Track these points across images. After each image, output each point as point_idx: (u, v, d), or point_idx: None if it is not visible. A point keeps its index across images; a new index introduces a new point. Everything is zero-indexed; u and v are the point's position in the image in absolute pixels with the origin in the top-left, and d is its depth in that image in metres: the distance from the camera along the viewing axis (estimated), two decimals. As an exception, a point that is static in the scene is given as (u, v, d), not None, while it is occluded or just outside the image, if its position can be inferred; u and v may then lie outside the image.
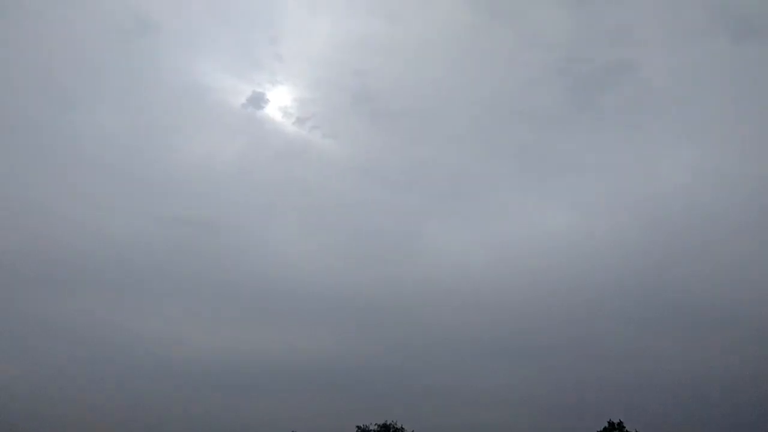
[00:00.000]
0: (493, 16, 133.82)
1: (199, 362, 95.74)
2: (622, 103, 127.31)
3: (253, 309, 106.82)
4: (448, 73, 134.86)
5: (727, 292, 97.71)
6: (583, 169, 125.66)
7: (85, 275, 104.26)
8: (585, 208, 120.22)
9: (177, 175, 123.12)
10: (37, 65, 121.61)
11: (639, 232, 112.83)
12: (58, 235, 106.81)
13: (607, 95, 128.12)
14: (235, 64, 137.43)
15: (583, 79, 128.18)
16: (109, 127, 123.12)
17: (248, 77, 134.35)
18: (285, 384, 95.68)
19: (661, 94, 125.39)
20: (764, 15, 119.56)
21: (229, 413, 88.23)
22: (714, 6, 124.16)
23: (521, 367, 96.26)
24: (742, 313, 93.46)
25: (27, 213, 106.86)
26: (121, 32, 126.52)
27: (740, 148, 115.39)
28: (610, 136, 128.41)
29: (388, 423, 70.84)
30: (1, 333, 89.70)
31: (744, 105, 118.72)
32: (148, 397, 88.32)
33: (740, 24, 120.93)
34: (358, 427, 71.17)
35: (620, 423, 64.32)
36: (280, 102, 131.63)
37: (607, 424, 64.72)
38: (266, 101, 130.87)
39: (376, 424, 70.98)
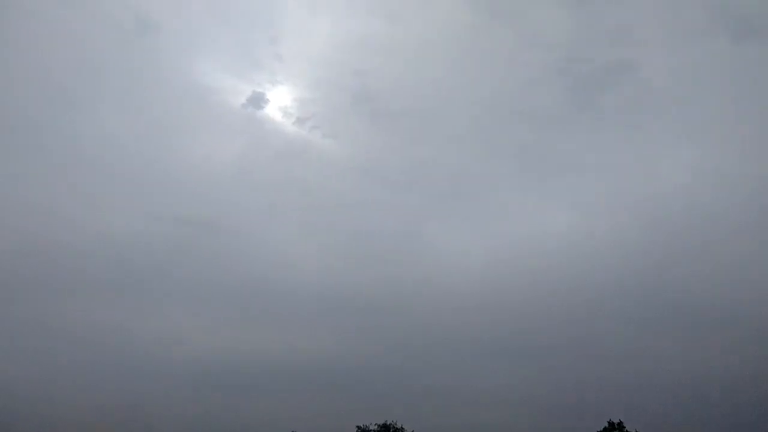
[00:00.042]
0: (493, 16, 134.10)
1: (199, 362, 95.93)
2: (622, 103, 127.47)
3: (253, 309, 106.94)
4: (448, 73, 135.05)
5: (727, 292, 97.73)
6: (583, 169, 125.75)
7: (85, 275, 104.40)
8: (585, 208, 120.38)
9: (177, 175, 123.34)
10: (36, 65, 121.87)
11: (639, 232, 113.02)
12: (57, 235, 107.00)
13: (607, 95, 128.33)
14: (235, 64, 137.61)
15: (583, 79, 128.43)
16: (109, 127, 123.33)
17: (248, 77, 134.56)
18: (285, 384, 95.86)
19: (661, 94, 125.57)
20: (764, 15, 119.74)
21: (229, 413, 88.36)
22: (714, 6, 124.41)
23: (521, 367, 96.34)
24: (742, 313, 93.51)
25: (26, 213, 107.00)
26: (121, 32, 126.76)
27: (740, 148, 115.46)
28: (610, 136, 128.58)
29: (388, 423, 70.96)
30: (1, 333, 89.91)
31: (744, 105, 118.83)
32: (148, 398, 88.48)
33: (740, 24, 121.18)
34: (358, 427, 71.30)
35: (620, 423, 64.38)
36: (280, 102, 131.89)
37: (607, 424, 64.79)
38: (266, 101, 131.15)
39: (376, 424, 71.14)
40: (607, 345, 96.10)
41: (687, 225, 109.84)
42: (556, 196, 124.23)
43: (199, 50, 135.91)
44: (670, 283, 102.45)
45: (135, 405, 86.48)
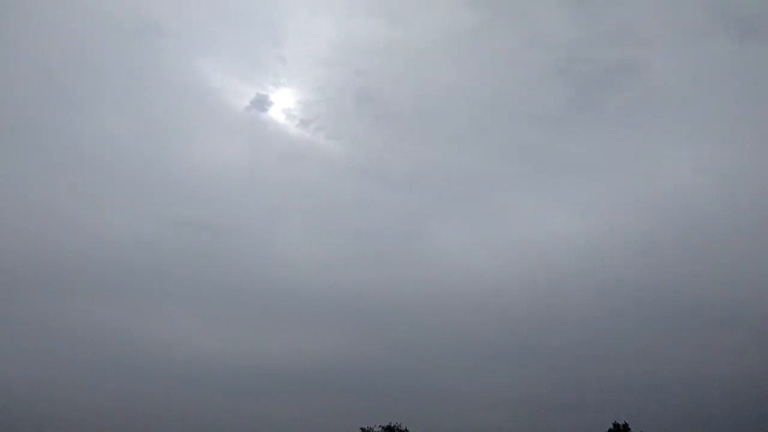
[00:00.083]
0: (494, 17, 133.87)
1: (201, 364, 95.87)
2: (625, 104, 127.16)
3: (255, 310, 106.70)
4: (450, 73, 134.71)
5: (730, 292, 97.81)
6: (585, 170, 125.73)
7: (87, 277, 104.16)
8: (587, 209, 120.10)
9: (180, 177, 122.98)
10: (37, 66, 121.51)
11: (641, 232, 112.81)
12: (59, 236, 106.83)
13: (609, 95, 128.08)
14: (238, 66, 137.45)
15: (585, 79, 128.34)
16: (112, 129, 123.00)
17: (251, 79, 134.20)
18: (287, 386, 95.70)
19: (664, 94, 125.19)
20: (767, 15, 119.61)
21: (232, 416, 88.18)
22: (717, 5, 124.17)
23: (524, 368, 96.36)
24: (742, 313, 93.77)
25: (26, 213, 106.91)
26: (124, 34, 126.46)
27: (744, 148, 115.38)
28: (613, 137, 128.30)
29: (392, 425, 70.97)
30: (1, 333, 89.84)
31: (747, 105, 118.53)
32: (151, 400, 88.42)
33: (743, 24, 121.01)
34: (362, 429, 71.25)
35: (625, 425, 64.37)
36: (284, 104, 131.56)
37: (612, 426, 64.74)
38: (270, 103, 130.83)
39: (380, 425, 71.11)
40: (608, 345, 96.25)
41: (690, 225, 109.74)
42: (558, 196, 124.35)
43: (201, 52, 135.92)
44: (671, 283, 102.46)
45: (137, 407, 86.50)
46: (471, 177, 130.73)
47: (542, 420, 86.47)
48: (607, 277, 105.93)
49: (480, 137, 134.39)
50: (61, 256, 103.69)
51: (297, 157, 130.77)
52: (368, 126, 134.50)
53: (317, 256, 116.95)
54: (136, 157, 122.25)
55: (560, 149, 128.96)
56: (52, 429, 79.75)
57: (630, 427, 64.11)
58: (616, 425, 64.56)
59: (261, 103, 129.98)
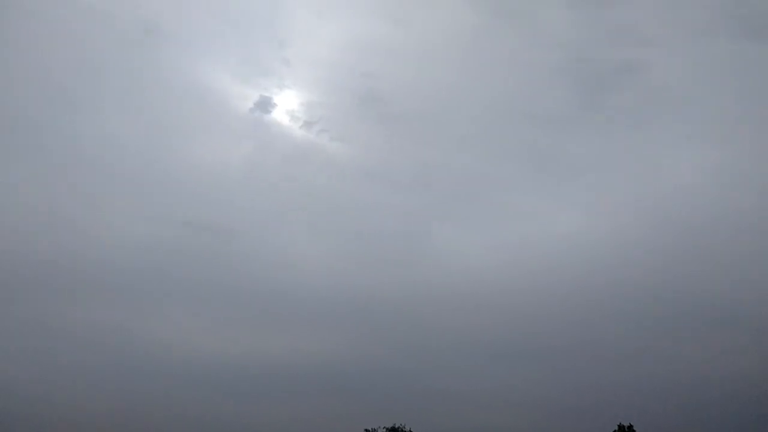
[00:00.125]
0: (499, 18, 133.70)
1: (204, 364, 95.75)
2: (630, 104, 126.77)
3: (261, 313, 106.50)
4: (454, 75, 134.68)
5: (730, 292, 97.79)
6: (591, 171, 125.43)
7: (87, 277, 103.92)
8: (592, 210, 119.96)
9: (183, 179, 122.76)
10: (40, 68, 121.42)
11: (647, 233, 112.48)
12: (59, 237, 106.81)
13: (614, 96, 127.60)
14: (242, 68, 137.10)
15: (592, 79, 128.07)
16: (115, 132, 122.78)
17: (255, 81, 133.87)
18: (291, 386, 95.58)
19: (670, 94, 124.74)
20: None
21: (237, 417, 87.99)
22: (721, 5, 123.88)
23: (530, 370, 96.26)
24: (742, 314, 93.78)
25: (28, 214, 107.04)
26: (126, 36, 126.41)
27: (748, 148, 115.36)
28: (618, 137, 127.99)
29: (396, 426, 70.93)
30: (1, 333, 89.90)
31: (752, 104, 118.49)
32: (151, 400, 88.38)
33: (748, 24, 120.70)
34: (366, 430, 71.26)
35: (630, 426, 64.20)
36: (288, 106, 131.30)
37: (617, 427, 64.62)
38: (273, 105, 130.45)
39: (384, 427, 71.05)
40: (613, 347, 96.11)
41: (695, 225, 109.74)
42: (563, 197, 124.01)
43: (205, 54, 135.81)
44: (681, 284, 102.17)
45: (141, 410, 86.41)
46: (474, 178, 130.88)
47: (549, 422, 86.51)
48: (609, 278, 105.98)
49: (483, 138, 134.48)
50: (61, 256, 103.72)
51: (300, 159, 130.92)
52: (372, 127, 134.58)
53: (320, 257, 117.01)
54: (137, 158, 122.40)
55: (563, 150, 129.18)
56: (52, 429, 79.85)
57: (635, 428, 63.96)
58: (621, 427, 64.38)
59: (265, 104, 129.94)
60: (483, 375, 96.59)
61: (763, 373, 78.50)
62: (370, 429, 71.02)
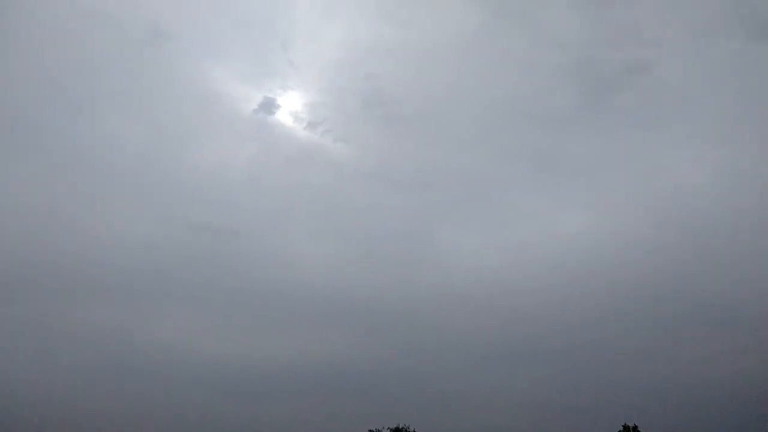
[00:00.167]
0: (503, 19, 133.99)
1: (208, 366, 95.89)
2: (635, 104, 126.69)
3: (265, 314, 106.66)
4: (458, 76, 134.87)
5: (730, 292, 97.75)
6: (596, 171, 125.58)
7: (87, 278, 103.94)
8: (597, 211, 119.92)
9: (188, 181, 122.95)
10: (40, 68, 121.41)
11: (652, 233, 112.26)
12: (59, 237, 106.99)
13: (619, 96, 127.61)
14: (247, 69, 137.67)
15: (596, 80, 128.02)
16: (115, 132, 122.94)
17: (259, 83, 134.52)
18: (296, 388, 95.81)
19: (675, 94, 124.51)
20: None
21: (242, 419, 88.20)
22: (727, 5, 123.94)
23: (534, 371, 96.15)
24: (742, 314, 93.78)
25: (28, 215, 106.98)
26: (130, 37, 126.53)
27: (753, 148, 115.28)
28: (623, 138, 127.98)
29: (400, 427, 70.96)
30: (1, 334, 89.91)
31: (757, 105, 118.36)
32: (151, 401, 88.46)
33: (754, 23, 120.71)
34: (371, 431, 71.27)
35: (635, 427, 64.10)
36: (292, 107, 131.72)
37: (622, 428, 64.54)
38: (277, 106, 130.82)
39: (388, 428, 71.11)
40: (613, 347, 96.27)
41: (695, 225, 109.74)
42: (568, 198, 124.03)
43: (209, 55, 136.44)
44: (677, 284, 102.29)
45: (145, 412, 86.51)
46: (477, 179, 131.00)
47: (555, 423, 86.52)
48: (609, 278, 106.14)
49: (485, 139, 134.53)
50: (62, 256, 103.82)
51: (304, 160, 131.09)
52: (376, 128, 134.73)
53: (324, 258, 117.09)
54: (138, 159, 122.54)
55: (564, 150, 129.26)
56: (52, 429, 79.87)
57: (639, 429, 63.84)
58: (626, 427, 64.25)
59: (269, 106, 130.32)
60: (484, 375, 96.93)
61: (763, 373, 78.56)
62: (374, 430, 71.19)
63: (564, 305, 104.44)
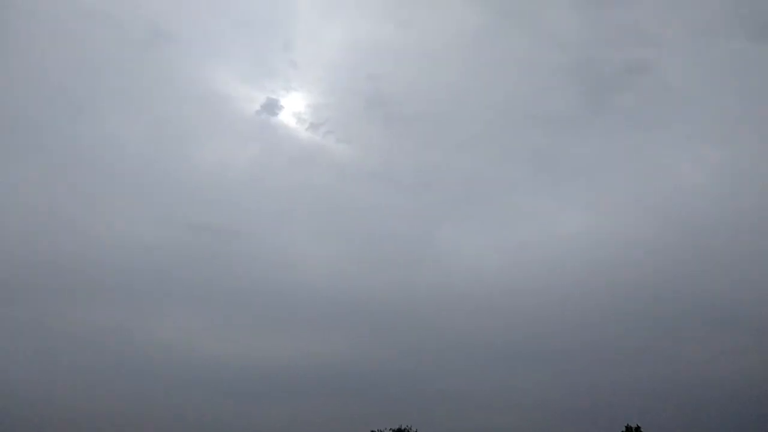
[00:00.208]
0: (505, 19, 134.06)
1: (210, 367, 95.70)
2: (636, 104, 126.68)
3: (266, 315, 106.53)
4: (461, 76, 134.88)
5: (730, 292, 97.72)
6: (597, 172, 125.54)
7: (87, 278, 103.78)
8: (598, 211, 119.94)
9: (190, 182, 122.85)
10: (40, 68, 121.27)
11: (653, 234, 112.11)
12: (59, 237, 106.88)
13: (620, 96, 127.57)
14: (249, 70, 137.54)
15: (597, 80, 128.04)
16: (120, 134, 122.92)
17: (262, 84, 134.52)
18: (297, 388, 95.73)
19: (676, 94, 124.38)
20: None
21: (242, 420, 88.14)
22: (723, 5, 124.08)
23: (535, 371, 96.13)
24: (742, 314, 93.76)
25: (28, 215, 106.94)
26: (132, 38, 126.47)
27: (755, 148, 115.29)
28: (624, 138, 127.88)
29: (402, 427, 70.75)
30: (1, 334, 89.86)
31: (758, 105, 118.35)
32: (151, 401, 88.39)
33: (756, 23, 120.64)
34: (373, 432, 71.30)
35: (637, 428, 64.07)
36: (294, 108, 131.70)
37: (624, 428, 64.45)
38: (280, 107, 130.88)
39: (390, 429, 70.92)
40: (613, 347, 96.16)
41: (695, 225, 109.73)
42: (569, 199, 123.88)
43: (211, 56, 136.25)
44: (677, 284, 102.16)
45: (136, 406, 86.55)
46: (480, 179, 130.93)
47: (556, 424, 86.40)
48: (610, 278, 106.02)
49: (486, 139, 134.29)
50: (62, 256, 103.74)
51: (307, 161, 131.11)
52: (378, 129, 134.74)
53: (327, 259, 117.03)
54: (138, 159, 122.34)
55: (565, 150, 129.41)
56: (52, 429, 79.84)
57: (642, 429, 63.81)
58: (629, 428, 64.17)
59: (271, 107, 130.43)
60: (485, 376, 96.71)
61: (763, 373, 78.57)
62: (376, 430, 71.14)
63: (564, 305, 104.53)
